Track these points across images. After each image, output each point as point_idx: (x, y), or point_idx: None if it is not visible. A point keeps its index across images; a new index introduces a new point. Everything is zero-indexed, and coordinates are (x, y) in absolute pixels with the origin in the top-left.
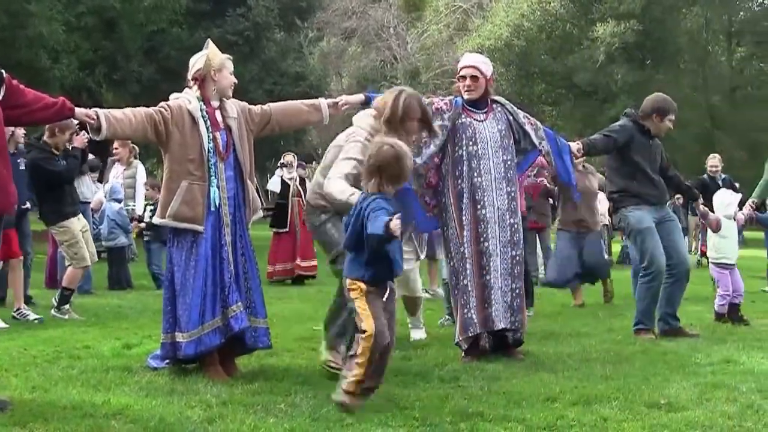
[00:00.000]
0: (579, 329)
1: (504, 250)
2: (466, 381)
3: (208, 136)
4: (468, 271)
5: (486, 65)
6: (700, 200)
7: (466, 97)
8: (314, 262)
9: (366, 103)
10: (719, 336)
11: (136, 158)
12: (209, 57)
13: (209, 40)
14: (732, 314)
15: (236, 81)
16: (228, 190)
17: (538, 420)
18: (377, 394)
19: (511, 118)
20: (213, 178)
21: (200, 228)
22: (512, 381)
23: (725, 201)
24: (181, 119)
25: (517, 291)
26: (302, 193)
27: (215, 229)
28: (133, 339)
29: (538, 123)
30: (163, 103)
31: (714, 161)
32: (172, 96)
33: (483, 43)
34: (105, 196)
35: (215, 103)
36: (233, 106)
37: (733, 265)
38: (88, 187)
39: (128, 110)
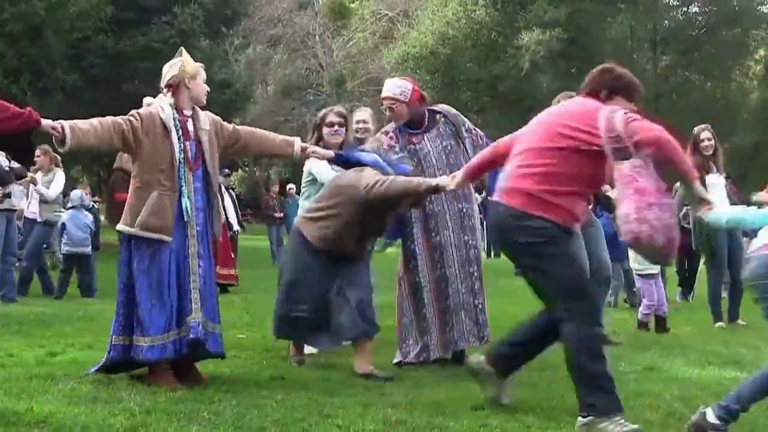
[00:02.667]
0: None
1: (462, 270)
2: (390, 389)
3: (180, 146)
4: (426, 300)
5: (401, 88)
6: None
7: (393, 125)
8: (233, 271)
9: (334, 161)
10: (643, 343)
11: (58, 166)
12: (183, 64)
13: (182, 48)
14: (658, 326)
15: (209, 89)
16: (195, 201)
17: (461, 428)
18: (300, 402)
19: (454, 128)
20: (183, 188)
21: (168, 238)
22: (437, 389)
23: None
24: (153, 128)
25: (480, 307)
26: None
27: (182, 239)
28: (57, 347)
29: (480, 134)
30: (133, 112)
31: None
32: (146, 101)
33: (408, 51)
34: (67, 204)
35: (188, 112)
36: (206, 117)
37: (657, 274)
38: (16, 196)
39: (95, 120)
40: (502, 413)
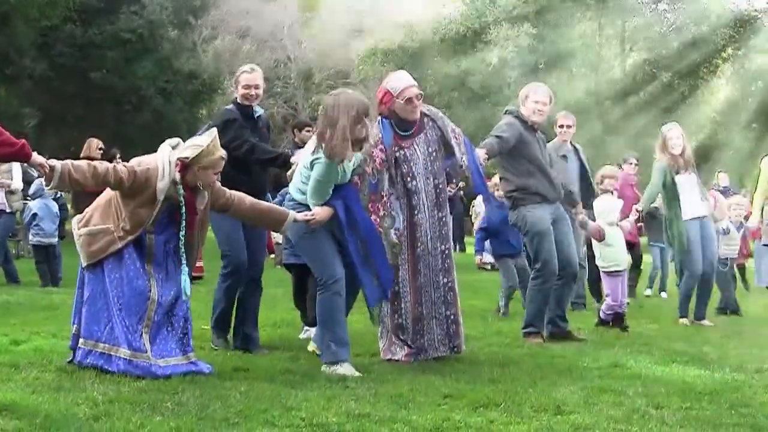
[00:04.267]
0: (468, 332)
1: (436, 279)
2: (353, 382)
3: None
4: (403, 310)
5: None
6: (579, 207)
7: (411, 117)
8: (200, 263)
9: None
10: (607, 340)
11: None
12: (203, 153)
13: (215, 128)
14: (617, 323)
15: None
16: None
17: (424, 421)
18: (263, 394)
19: (440, 132)
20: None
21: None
22: (400, 383)
23: (606, 208)
24: (142, 190)
25: (453, 317)
26: None
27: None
28: (21, 335)
29: (460, 132)
30: (134, 167)
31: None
32: (166, 145)
33: (376, 45)
34: (33, 194)
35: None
36: (205, 194)
37: (623, 271)
38: None
39: (89, 168)
40: (465, 407)
